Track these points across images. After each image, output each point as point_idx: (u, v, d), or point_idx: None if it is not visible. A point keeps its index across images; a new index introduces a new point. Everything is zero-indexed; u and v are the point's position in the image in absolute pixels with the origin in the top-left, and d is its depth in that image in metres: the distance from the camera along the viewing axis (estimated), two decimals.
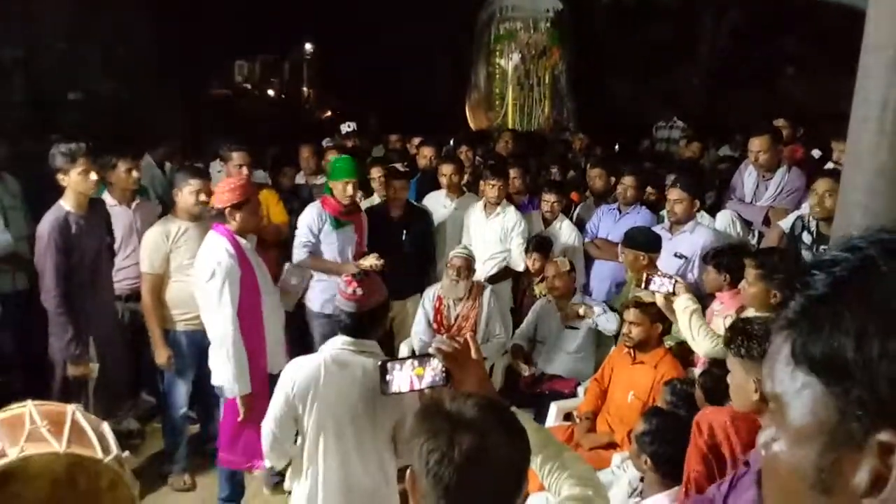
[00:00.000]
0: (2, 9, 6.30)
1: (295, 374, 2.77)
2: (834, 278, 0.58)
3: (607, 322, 4.51)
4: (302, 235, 4.61)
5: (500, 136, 7.49)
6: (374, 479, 2.76)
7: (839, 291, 0.57)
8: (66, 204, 3.93)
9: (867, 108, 2.25)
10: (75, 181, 3.88)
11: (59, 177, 3.89)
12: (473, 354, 1.74)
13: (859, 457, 0.55)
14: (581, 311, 4.59)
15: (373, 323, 2.85)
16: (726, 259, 3.78)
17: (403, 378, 1.84)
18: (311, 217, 4.62)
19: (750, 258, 3.39)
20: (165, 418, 4.40)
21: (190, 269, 4.03)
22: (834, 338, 0.56)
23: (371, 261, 4.42)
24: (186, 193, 4.09)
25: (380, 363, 1.81)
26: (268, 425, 2.82)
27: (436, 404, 1.38)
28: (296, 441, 2.85)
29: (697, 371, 3.68)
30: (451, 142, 7.13)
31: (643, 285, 3.58)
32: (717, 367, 2.83)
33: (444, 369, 1.75)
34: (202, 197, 4.07)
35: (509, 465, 1.32)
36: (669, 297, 3.46)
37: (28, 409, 2.79)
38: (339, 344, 2.83)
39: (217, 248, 3.61)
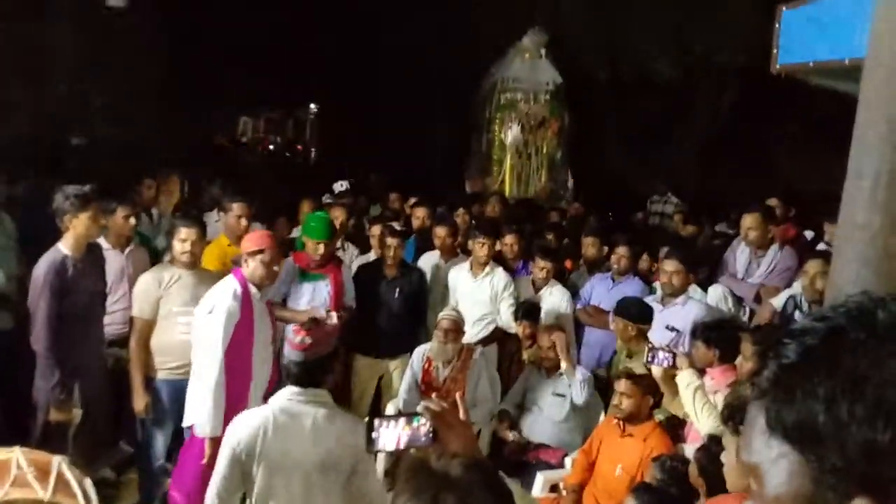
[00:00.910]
0: (10, 50, 6.43)
1: (240, 429, 2.72)
2: (804, 347, 0.59)
3: (579, 394, 4.45)
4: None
5: (488, 201, 7.57)
6: None
7: (809, 359, 0.58)
8: (65, 247, 3.93)
9: (860, 180, 2.29)
10: (84, 225, 3.89)
11: (66, 219, 3.88)
12: (461, 416, 1.73)
13: None
14: (563, 366, 4.51)
15: (321, 372, 2.82)
16: (716, 334, 3.78)
17: (389, 436, 1.82)
18: (283, 269, 4.62)
19: (747, 334, 3.40)
20: (142, 469, 4.30)
21: (179, 317, 4.02)
22: (805, 404, 0.56)
23: (329, 313, 4.40)
24: (176, 241, 4.12)
25: (366, 419, 1.79)
26: (213, 485, 2.73)
27: (421, 462, 1.37)
28: (243, 501, 2.78)
29: (687, 447, 3.64)
30: (448, 205, 7.20)
31: (646, 359, 3.57)
32: (715, 445, 2.80)
33: (430, 429, 1.74)
34: (188, 246, 4.08)
35: None
36: (670, 370, 3.46)
37: (15, 456, 2.75)
38: (286, 395, 2.79)
39: (225, 289, 3.68)
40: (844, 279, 2.34)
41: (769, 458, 0.60)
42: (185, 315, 4.03)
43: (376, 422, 1.83)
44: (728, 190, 9.34)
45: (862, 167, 2.31)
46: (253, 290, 3.74)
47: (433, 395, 4.45)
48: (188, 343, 4.03)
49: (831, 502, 0.55)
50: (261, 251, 3.73)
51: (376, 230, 5.47)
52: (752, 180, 9.07)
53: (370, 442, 1.82)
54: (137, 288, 4.11)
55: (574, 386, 4.48)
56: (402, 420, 1.81)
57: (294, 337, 2.83)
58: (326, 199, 7.62)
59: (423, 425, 1.77)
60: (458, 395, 1.95)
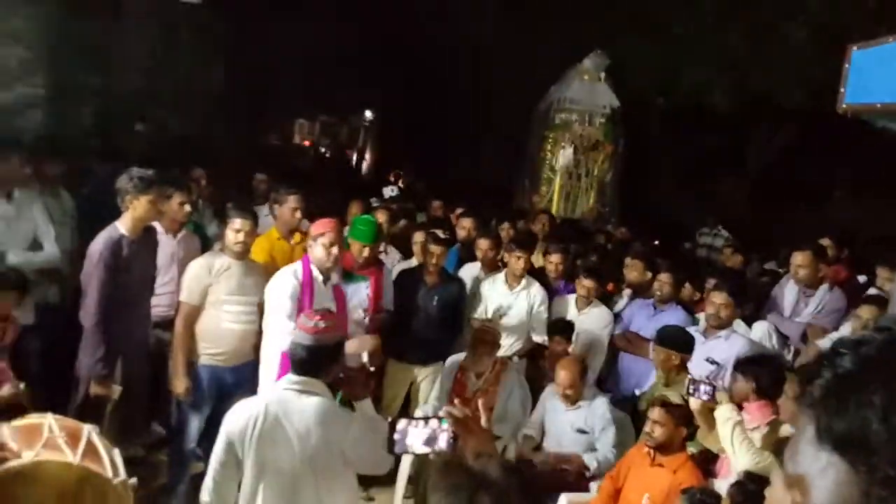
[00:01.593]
0: (86, 39, 6.67)
1: (236, 416, 2.75)
2: (861, 356, 0.57)
3: (599, 434, 4.33)
4: None
5: (536, 217, 7.54)
6: None
7: (865, 369, 0.57)
8: (122, 227, 4.05)
9: None
10: (143, 208, 4.02)
11: (127, 199, 4.00)
12: (483, 423, 1.73)
13: None
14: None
15: (326, 361, 2.80)
16: (755, 367, 3.70)
17: (410, 438, 1.83)
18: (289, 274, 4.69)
19: (793, 374, 3.33)
20: (174, 450, 4.38)
21: (225, 305, 4.11)
22: (858, 413, 0.55)
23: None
24: (229, 231, 4.21)
25: (389, 420, 1.82)
26: (210, 470, 2.78)
27: (459, 461, 1.37)
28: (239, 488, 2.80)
29: (718, 483, 3.56)
30: (495, 219, 7.20)
31: (687, 390, 3.51)
32: (751, 483, 2.73)
33: (452, 434, 1.75)
34: (241, 237, 4.17)
35: None
36: (709, 404, 3.39)
37: (48, 421, 2.84)
38: (284, 384, 2.81)
39: (286, 271, 3.89)
40: None
41: (817, 469, 0.58)
42: (231, 304, 4.14)
43: (399, 423, 1.84)
44: (779, 228, 9.16)
45: None
46: (316, 272, 3.88)
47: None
48: (232, 331, 4.14)
49: None
50: (322, 234, 3.87)
51: (419, 237, 5.49)
52: (805, 220, 8.88)
53: (392, 443, 1.84)
54: (188, 273, 4.20)
55: (594, 420, 4.34)
56: (424, 423, 1.83)
57: (308, 321, 2.84)
58: (374, 202, 7.70)
59: (445, 430, 1.78)
60: (480, 403, 1.95)
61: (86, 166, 5.56)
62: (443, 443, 1.79)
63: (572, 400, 4.36)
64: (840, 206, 9.85)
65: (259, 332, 4.08)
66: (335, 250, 3.90)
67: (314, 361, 2.78)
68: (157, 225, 4.61)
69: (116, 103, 7.02)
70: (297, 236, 4.99)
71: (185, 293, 4.16)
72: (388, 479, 4.72)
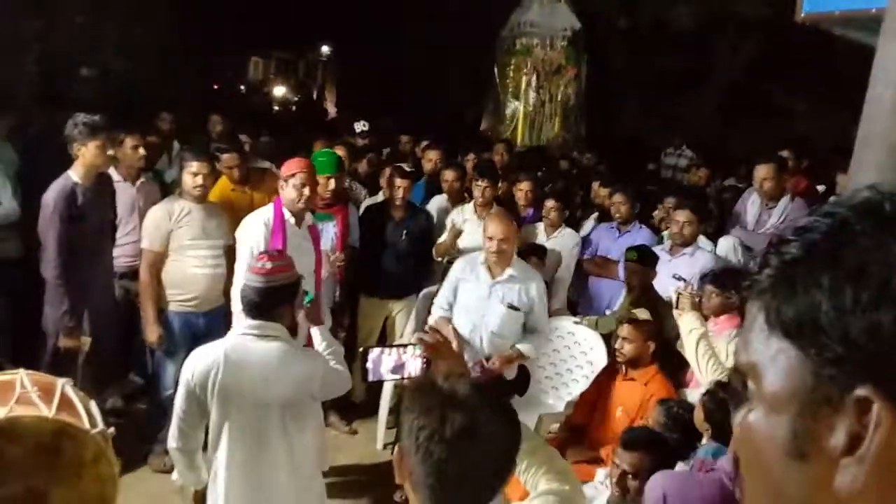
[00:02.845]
0: None
1: (195, 364, 2.72)
2: (808, 242, 0.58)
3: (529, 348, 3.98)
4: None
5: (493, 147, 7.49)
6: (284, 469, 2.75)
7: (812, 253, 0.57)
8: (75, 175, 3.95)
9: (883, 87, 2.28)
10: (92, 154, 3.91)
11: (75, 146, 3.89)
12: (454, 347, 1.76)
13: (835, 418, 0.54)
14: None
15: (279, 301, 2.74)
16: (731, 279, 3.76)
17: (383, 366, 1.86)
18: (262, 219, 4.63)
19: None
20: (152, 398, 4.39)
21: (189, 251, 4.06)
22: (807, 296, 0.55)
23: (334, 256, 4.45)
24: (186, 175, 4.12)
25: (361, 349, 1.84)
26: (174, 419, 2.78)
27: (430, 382, 1.39)
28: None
29: (689, 392, 3.68)
30: (461, 150, 7.14)
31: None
32: (723, 391, 2.81)
33: (424, 359, 1.78)
34: (200, 179, 4.09)
35: (500, 444, 1.33)
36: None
37: (20, 376, 2.82)
38: (241, 329, 2.78)
39: (255, 217, 3.81)
40: (863, 182, 2.34)
41: (768, 356, 0.59)
42: (195, 248, 4.09)
43: (371, 352, 1.86)
44: (743, 144, 9.22)
45: (884, 74, 2.29)
46: (288, 215, 3.80)
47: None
48: (199, 276, 4.09)
49: (831, 395, 0.55)
50: (293, 175, 3.78)
51: (386, 171, 5.44)
52: (768, 134, 8.93)
53: (365, 371, 1.86)
54: (148, 220, 4.13)
55: (529, 296, 3.90)
56: (396, 350, 1.85)
57: (256, 262, 2.79)
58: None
59: (417, 356, 1.80)
60: (450, 327, 1.98)
61: (28, 117, 5.34)
62: (415, 368, 1.81)
63: (503, 263, 3.81)
64: (802, 119, 9.92)
65: (227, 275, 4.05)
66: (307, 191, 3.80)
67: (267, 304, 2.72)
68: (113, 173, 4.52)
69: (59, 49, 6.73)
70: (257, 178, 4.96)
71: (147, 240, 4.10)
72: (370, 411, 4.82)
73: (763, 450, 0.60)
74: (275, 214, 3.79)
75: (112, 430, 3.05)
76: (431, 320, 3.86)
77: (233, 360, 2.69)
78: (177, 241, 4.06)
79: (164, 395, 4.25)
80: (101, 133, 3.89)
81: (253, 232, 3.74)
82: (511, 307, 3.85)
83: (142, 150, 4.61)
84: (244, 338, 2.75)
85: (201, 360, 2.73)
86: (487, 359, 3.77)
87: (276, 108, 15.48)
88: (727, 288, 3.73)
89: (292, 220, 3.84)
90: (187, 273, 4.08)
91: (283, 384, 2.73)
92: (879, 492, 0.53)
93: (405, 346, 1.86)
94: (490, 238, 3.78)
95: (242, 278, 3.60)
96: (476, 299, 3.87)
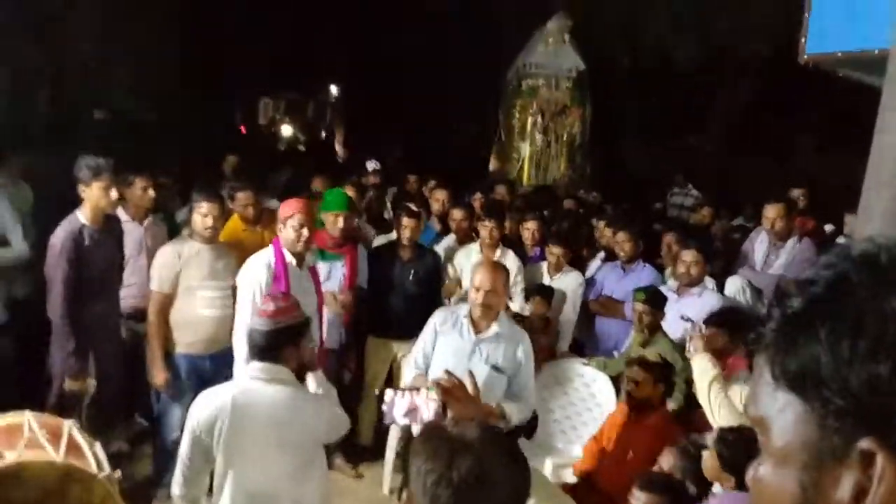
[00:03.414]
0: (35, 21, 6.46)
1: (201, 409, 2.69)
2: (808, 295, 0.59)
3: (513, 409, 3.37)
4: None
5: (494, 188, 7.53)
6: None
7: (813, 306, 0.58)
8: (82, 216, 3.98)
9: (889, 135, 2.29)
10: (96, 195, 3.95)
11: (81, 188, 3.94)
12: (470, 391, 1.75)
13: (841, 470, 0.55)
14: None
15: (285, 343, 2.72)
16: (726, 318, 3.76)
17: (400, 408, 1.84)
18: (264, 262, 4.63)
19: None
20: (157, 441, 4.34)
21: (198, 291, 4.06)
22: (807, 349, 0.56)
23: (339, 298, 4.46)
24: (196, 215, 4.13)
25: (377, 392, 1.84)
26: (179, 465, 2.74)
27: (438, 427, 1.38)
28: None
29: (699, 436, 3.62)
30: (469, 190, 7.18)
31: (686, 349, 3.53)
32: (731, 434, 2.77)
33: (441, 403, 1.76)
34: (210, 221, 4.09)
35: (509, 490, 1.31)
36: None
37: (27, 419, 2.80)
38: (250, 373, 2.76)
39: (257, 260, 3.78)
40: (871, 230, 2.33)
41: (775, 410, 0.60)
42: (204, 289, 4.09)
43: (387, 394, 1.86)
44: (747, 181, 9.24)
45: (890, 123, 2.30)
46: (289, 257, 3.79)
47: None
48: (207, 318, 4.08)
49: (836, 447, 0.55)
50: (291, 216, 3.79)
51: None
52: (773, 173, 8.96)
53: (380, 413, 1.85)
54: (157, 261, 4.13)
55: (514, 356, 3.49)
56: (411, 394, 1.84)
57: (262, 304, 2.80)
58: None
59: (434, 400, 1.79)
60: (468, 372, 1.96)
61: (42, 157, 5.42)
62: (429, 412, 1.80)
63: (489, 318, 3.39)
64: (805, 158, 9.96)
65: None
66: (305, 232, 3.80)
67: (272, 346, 2.71)
68: (121, 213, 4.57)
69: (71, 91, 6.84)
70: (267, 218, 4.97)
71: (156, 282, 4.10)
72: (376, 455, 4.76)
73: (773, 503, 0.60)
74: (276, 256, 3.78)
75: (119, 473, 3.02)
76: (407, 378, 3.42)
77: (240, 405, 2.67)
78: (185, 283, 4.06)
79: (170, 438, 4.21)
80: (106, 174, 3.93)
81: (256, 274, 3.73)
82: (495, 368, 3.39)
83: (151, 192, 4.65)
84: (252, 382, 2.73)
85: (208, 406, 2.70)
86: None
87: (285, 147, 15.64)
88: (731, 329, 3.71)
89: (293, 262, 3.83)
90: (196, 315, 4.07)
91: (291, 429, 2.70)
92: None
93: (421, 388, 1.85)
94: (476, 289, 3.38)
95: (246, 321, 3.61)
96: (456, 356, 3.38)
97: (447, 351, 3.46)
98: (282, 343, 2.73)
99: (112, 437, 4.51)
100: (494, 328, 3.44)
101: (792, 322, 0.59)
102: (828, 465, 0.56)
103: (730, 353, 3.74)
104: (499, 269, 3.52)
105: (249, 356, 2.80)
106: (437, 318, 3.59)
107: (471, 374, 1.93)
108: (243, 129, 13.52)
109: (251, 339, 2.76)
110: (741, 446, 2.41)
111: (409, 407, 1.85)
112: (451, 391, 1.76)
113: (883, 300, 0.54)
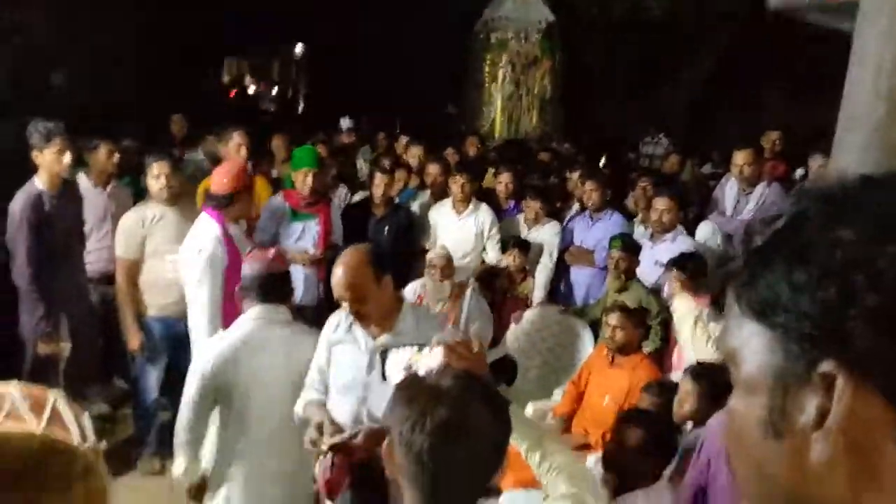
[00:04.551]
0: None
1: (210, 357, 2.76)
2: (771, 231, 0.62)
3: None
4: (259, 226, 4.54)
5: (466, 141, 7.50)
6: (290, 458, 2.77)
7: (773, 240, 0.61)
8: (40, 183, 3.91)
9: (863, 70, 2.31)
10: (49, 160, 3.86)
11: (34, 154, 3.86)
12: (475, 348, 1.74)
13: (805, 394, 0.57)
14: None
15: (284, 284, 2.89)
16: (683, 262, 3.83)
17: (399, 366, 1.84)
18: (270, 208, 4.57)
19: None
20: (136, 403, 4.35)
21: (166, 255, 3.99)
22: (768, 281, 0.59)
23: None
24: (151, 178, 4.04)
25: (380, 350, 1.84)
26: (184, 410, 2.80)
27: (414, 376, 1.38)
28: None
29: (673, 375, 3.70)
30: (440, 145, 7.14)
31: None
32: (709, 367, 2.85)
33: (444, 362, 1.74)
34: (164, 181, 4.00)
35: (486, 438, 1.31)
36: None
37: (10, 389, 2.76)
38: (252, 316, 2.81)
39: (204, 235, 3.57)
40: (846, 162, 2.37)
41: (742, 340, 0.62)
42: (172, 253, 3.97)
43: (391, 352, 1.85)
44: (719, 132, 9.30)
45: (864, 56, 2.32)
46: (233, 229, 3.71)
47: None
48: (176, 281, 4.00)
49: (800, 371, 0.57)
50: (245, 189, 3.73)
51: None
52: (743, 123, 9.02)
53: (384, 371, 1.84)
54: (120, 227, 4.07)
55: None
56: (415, 350, 1.83)
57: (256, 252, 2.99)
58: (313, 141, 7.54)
59: (436, 357, 1.78)
60: (472, 329, 1.95)
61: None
62: (435, 369, 1.78)
63: (380, 317, 2.59)
64: (776, 108, 10.02)
65: None
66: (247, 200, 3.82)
67: (274, 288, 2.83)
68: (83, 179, 4.49)
69: (30, 55, 6.61)
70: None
71: (121, 248, 4.04)
72: None
73: (743, 432, 0.62)
74: (221, 231, 3.59)
75: (104, 443, 3.00)
76: (299, 407, 2.70)
77: (251, 347, 2.74)
78: (152, 247, 3.99)
79: (148, 400, 4.21)
80: (57, 138, 3.83)
81: (209, 254, 3.52)
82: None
83: (116, 156, 4.56)
84: (257, 323, 2.79)
85: (216, 353, 2.76)
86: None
87: (251, 107, 15.35)
88: (691, 273, 3.78)
89: (237, 232, 3.75)
90: (165, 278, 3.99)
91: (299, 360, 2.75)
92: (848, 463, 0.55)
93: (423, 346, 1.84)
94: (337, 297, 2.55)
95: (196, 296, 3.53)
96: (353, 371, 2.61)
97: (342, 364, 2.65)
98: (282, 285, 2.87)
99: (92, 400, 4.51)
100: (397, 327, 2.56)
101: (755, 256, 0.62)
102: (792, 391, 0.57)
103: (695, 294, 3.80)
104: (354, 261, 2.52)
105: (248, 302, 2.85)
106: (329, 325, 2.74)
107: (476, 333, 1.91)
108: (231, 94, 13.24)
109: (252, 285, 2.83)
110: (720, 377, 2.46)
111: (408, 364, 1.84)
112: (453, 348, 1.74)
113: (831, 231, 0.56)
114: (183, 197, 4.21)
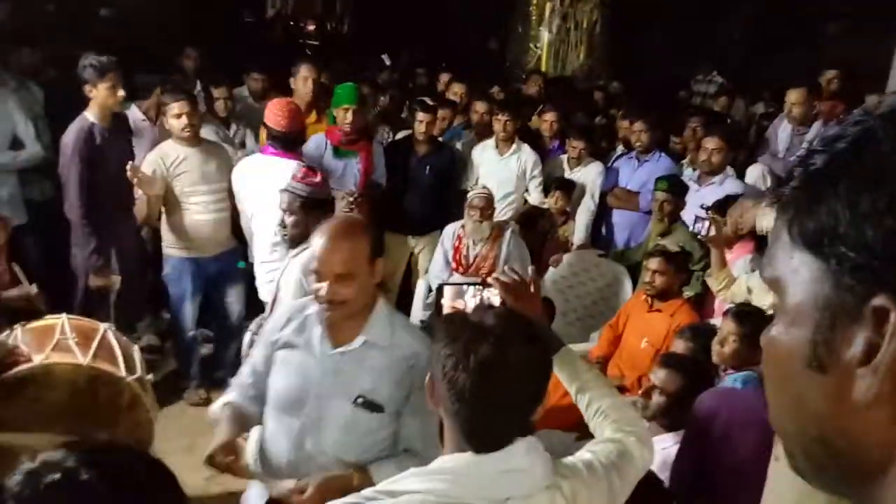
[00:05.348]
0: None
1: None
2: (832, 152, 0.57)
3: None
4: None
5: (530, 78, 7.32)
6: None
7: (836, 164, 0.56)
8: (91, 116, 3.95)
9: None
10: (102, 95, 3.90)
11: (87, 88, 3.90)
12: (532, 289, 1.73)
13: (853, 329, 0.54)
14: None
15: (322, 212, 2.92)
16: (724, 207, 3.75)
17: (459, 304, 1.85)
18: (311, 145, 4.54)
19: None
20: (176, 340, 4.47)
21: (192, 197, 3.99)
22: (827, 206, 0.55)
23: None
24: (171, 118, 3.94)
25: (437, 285, 1.83)
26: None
27: (459, 313, 1.39)
28: None
29: (716, 321, 3.66)
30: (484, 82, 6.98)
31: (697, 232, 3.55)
32: (748, 308, 2.83)
33: (500, 300, 1.74)
34: (185, 119, 3.90)
35: (527, 375, 1.33)
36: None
37: (62, 322, 2.87)
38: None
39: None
40: None
41: (791, 269, 0.59)
42: (196, 195, 4.00)
43: (447, 289, 1.85)
44: (776, 69, 8.90)
45: None
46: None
47: (461, 272, 4.48)
48: (202, 222, 4.03)
49: (850, 305, 0.54)
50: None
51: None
52: (803, 60, 8.61)
53: (440, 309, 1.85)
54: (144, 165, 3.98)
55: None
56: (473, 289, 1.84)
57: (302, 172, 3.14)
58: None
59: (494, 295, 1.78)
60: (530, 269, 1.90)
61: (49, 56, 5.31)
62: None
63: (349, 317, 2.06)
64: (835, 43, 9.51)
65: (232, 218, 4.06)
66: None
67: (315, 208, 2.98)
68: (136, 112, 4.56)
69: None
70: (313, 115, 4.86)
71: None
72: None
73: (784, 362, 0.60)
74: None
75: (150, 376, 3.09)
76: (216, 407, 2.24)
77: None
78: (177, 189, 3.96)
79: (186, 336, 4.29)
80: (111, 73, 3.86)
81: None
82: (366, 404, 2.06)
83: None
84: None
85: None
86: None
87: (294, 41, 15.21)
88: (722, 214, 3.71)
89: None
90: (192, 220, 4.02)
91: None
92: (894, 402, 0.53)
93: (481, 284, 1.85)
94: (316, 272, 2.03)
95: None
96: (301, 385, 2.10)
97: (287, 375, 2.14)
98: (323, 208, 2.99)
99: (142, 332, 4.68)
100: (362, 336, 2.08)
101: (814, 179, 0.57)
102: (841, 324, 0.55)
103: (732, 242, 3.71)
104: (352, 236, 2.05)
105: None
106: (278, 318, 2.27)
107: (535, 272, 1.85)
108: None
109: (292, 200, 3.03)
110: (764, 321, 2.43)
111: (468, 303, 1.85)
112: (511, 288, 1.72)
113: None
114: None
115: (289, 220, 3.06)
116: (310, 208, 3.00)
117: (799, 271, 0.58)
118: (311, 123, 4.73)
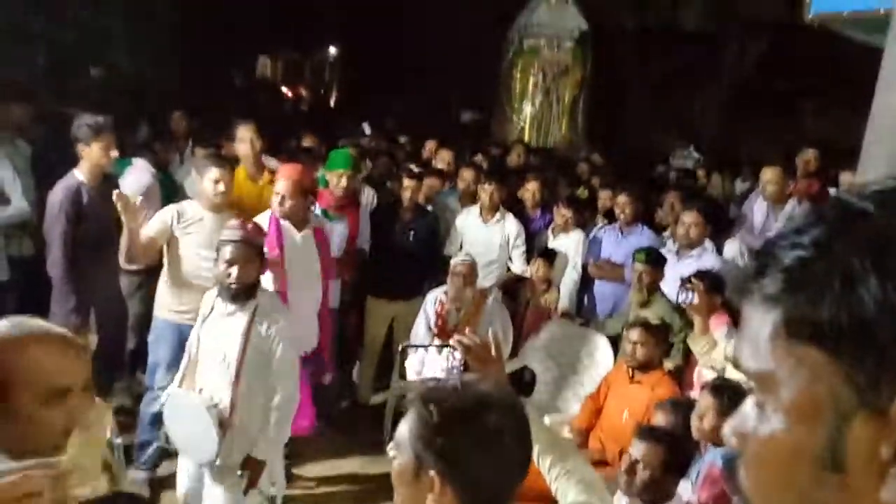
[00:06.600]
0: None
1: None
2: (821, 235, 0.53)
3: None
4: None
5: (512, 148, 7.49)
6: None
7: (832, 245, 0.52)
8: (80, 174, 3.96)
9: (891, 92, 2.28)
10: (96, 155, 3.91)
11: (80, 147, 3.91)
12: (493, 353, 1.74)
13: (874, 426, 0.51)
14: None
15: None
16: (710, 278, 3.77)
17: (417, 366, 1.85)
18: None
19: None
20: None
21: (194, 259, 3.88)
22: (847, 293, 0.50)
23: None
24: (207, 182, 3.93)
25: (401, 347, 1.84)
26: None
27: (434, 386, 1.39)
28: None
29: (695, 394, 3.67)
30: (471, 151, 7.14)
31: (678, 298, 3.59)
32: (719, 381, 2.83)
33: (461, 362, 1.75)
34: (222, 187, 3.91)
35: (513, 448, 1.31)
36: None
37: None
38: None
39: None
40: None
41: (787, 364, 0.54)
42: (200, 259, 3.88)
43: (410, 350, 1.85)
44: (752, 143, 9.19)
45: (889, 80, 2.28)
46: (285, 223, 3.78)
47: (443, 338, 4.48)
48: (198, 287, 3.83)
49: (870, 403, 0.50)
50: (277, 180, 3.82)
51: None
52: (777, 136, 8.90)
53: (403, 369, 1.85)
54: (158, 213, 3.94)
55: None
56: (435, 351, 1.84)
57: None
58: (342, 143, 7.57)
59: (455, 358, 1.79)
60: (490, 333, 1.93)
61: (39, 114, 5.36)
62: (453, 371, 1.80)
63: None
64: (811, 119, 9.88)
65: None
66: (288, 201, 3.76)
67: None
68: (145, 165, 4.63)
69: (67, 46, 6.75)
70: (266, 176, 4.84)
71: (148, 226, 3.83)
72: (375, 413, 4.82)
73: (788, 462, 0.56)
74: (271, 220, 3.70)
75: (120, 439, 3.01)
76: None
77: None
78: (183, 248, 3.90)
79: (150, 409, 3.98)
80: (105, 133, 3.89)
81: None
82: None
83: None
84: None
85: None
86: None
87: (285, 107, 15.50)
88: (709, 289, 3.72)
89: (293, 229, 3.77)
90: (188, 283, 3.91)
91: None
92: None
93: (443, 347, 1.85)
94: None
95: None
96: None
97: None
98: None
99: (117, 393, 4.57)
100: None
101: (811, 265, 0.53)
102: (859, 423, 0.51)
103: (712, 311, 3.74)
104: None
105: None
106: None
107: (496, 336, 1.89)
108: (288, 93, 13.45)
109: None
110: (741, 394, 2.43)
111: (430, 365, 1.85)
112: (473, 350, 1.74)
113: None
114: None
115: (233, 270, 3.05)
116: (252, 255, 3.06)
117: (800, 366, 0.54)
118: (265, 183, 4.53)
